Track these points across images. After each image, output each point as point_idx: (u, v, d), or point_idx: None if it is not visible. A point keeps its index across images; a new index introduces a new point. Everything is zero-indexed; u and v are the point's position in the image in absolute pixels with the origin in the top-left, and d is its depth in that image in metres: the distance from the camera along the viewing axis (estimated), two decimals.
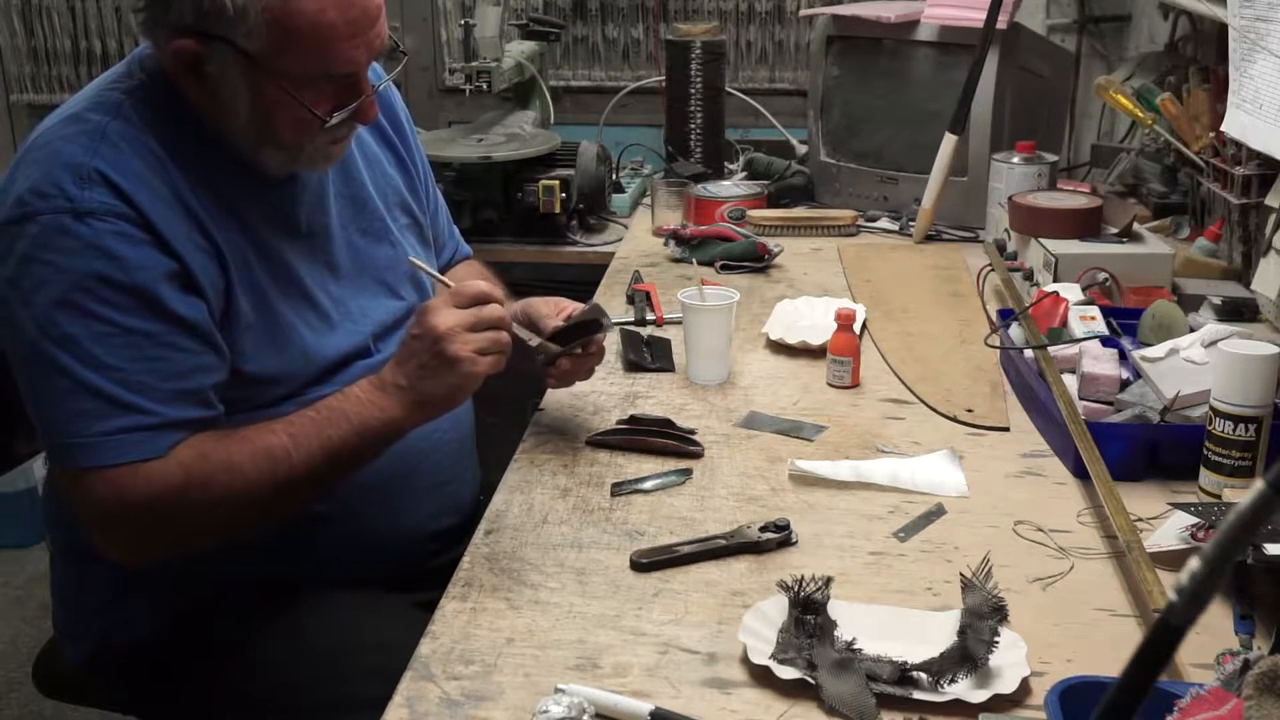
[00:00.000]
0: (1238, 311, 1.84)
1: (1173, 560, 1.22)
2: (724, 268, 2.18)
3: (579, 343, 1.48)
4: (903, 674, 1.04)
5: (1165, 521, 1.29)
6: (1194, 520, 1.23)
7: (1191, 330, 1.59)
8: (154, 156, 1.26)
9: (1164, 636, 0.49)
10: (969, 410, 1.60)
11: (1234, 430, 1.32)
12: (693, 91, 2.69)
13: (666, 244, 2.28)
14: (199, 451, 1.24)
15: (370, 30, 1.25)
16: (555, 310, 1.52)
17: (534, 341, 1.44)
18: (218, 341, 1.28)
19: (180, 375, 1.24)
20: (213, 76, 1.24)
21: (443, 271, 1.68)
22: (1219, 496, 1.34)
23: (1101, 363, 1.54)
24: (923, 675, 1.04)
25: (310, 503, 1.34)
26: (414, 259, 1.46)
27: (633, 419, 1.54)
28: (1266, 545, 1.11)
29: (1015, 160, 2.21)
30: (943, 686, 1.03)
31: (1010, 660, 1.05)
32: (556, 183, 2.50)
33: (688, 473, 1.44)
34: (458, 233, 1.78)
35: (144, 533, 1.27)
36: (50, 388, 1.21)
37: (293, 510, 1.33)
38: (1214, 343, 1.42)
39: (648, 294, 2.01)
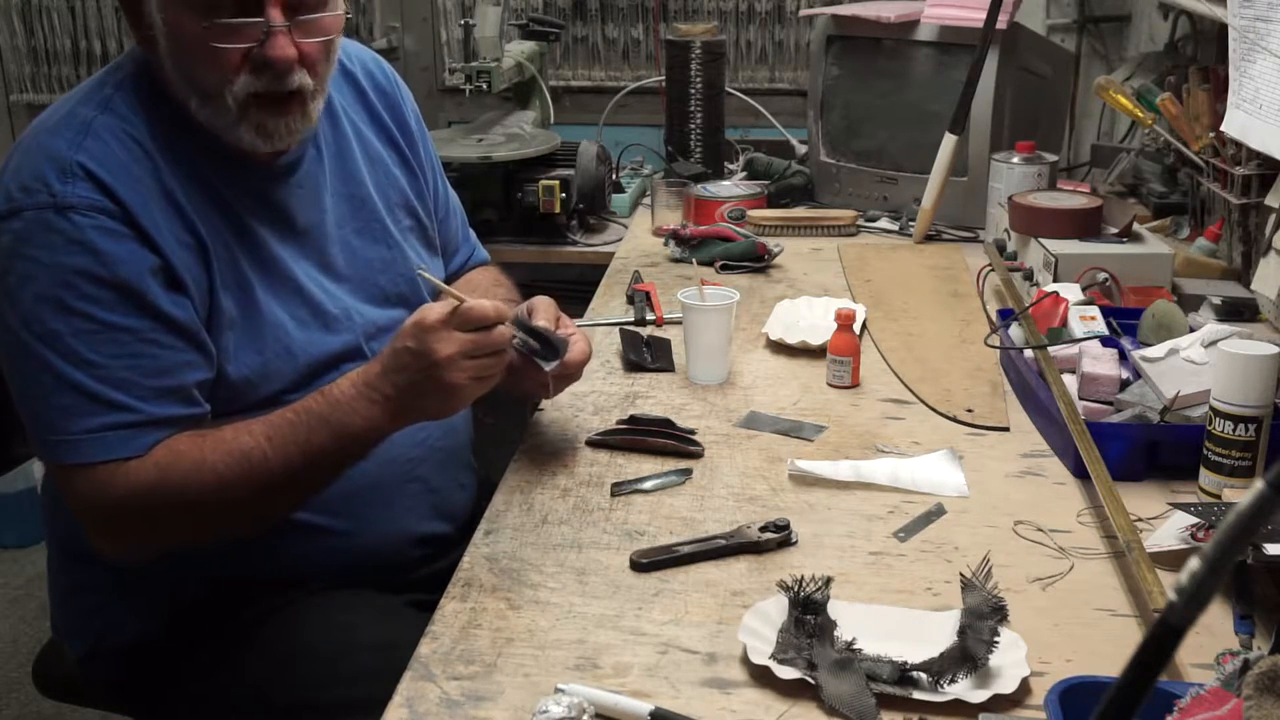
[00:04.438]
0: (1238, 311, 1.84)
1: (1173, 560, 1.22)
2: (724, 268, 2.18)
3: (529, 350, 1.39)
4: (903, 674, 1.04)
5: (1165, 521, 1.29)
6: (1194, 520, 1.23)
7: (1191, 330, 1.59)
8: (140, 149, 1.25)
9: (1164, 636, 0.49)
10: (969, 410, 1.60)
11: (1234, 430, 1.32)
12: (693, 91, 2.69)
13: (666, 244, 2.27)
14: (173, 451, 1.24)
15: None
16: (553, 315, 1.49)
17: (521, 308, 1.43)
18: (203, 339, 1.27)
19: (163, 372, 1.24)
20: (148, 17, 1.24)
21: (458, 276, 1.67)
22: (1219, 496, 1.34)
23: (1101, 363, 1.54)
24: (923, 675, 1.04)
25: (299, 508, 1.34)
26: (421, 269, 1.43)
27: (633, 419, 1.54)
28: (1266, 545, 1.11)
29: (1015, 160, 2.21)
30: (943, 686, 1.03)
31: (1010, 660, 1.05)
32: (556, 183, 2.50)
33: (688, 473, 1.44)
34: (474, 237, 1.74)
35: (124, 530, 1.27)
36: (34, 384, 1.21)
37: (280, 513, 1.32)
38: (1214, 343, 1.42)
39: (648, 294, 2.00)
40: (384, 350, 1.28)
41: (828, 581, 1.13)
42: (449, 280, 1.64)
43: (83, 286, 1.20)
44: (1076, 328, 1.65)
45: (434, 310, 1.26)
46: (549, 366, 1.39)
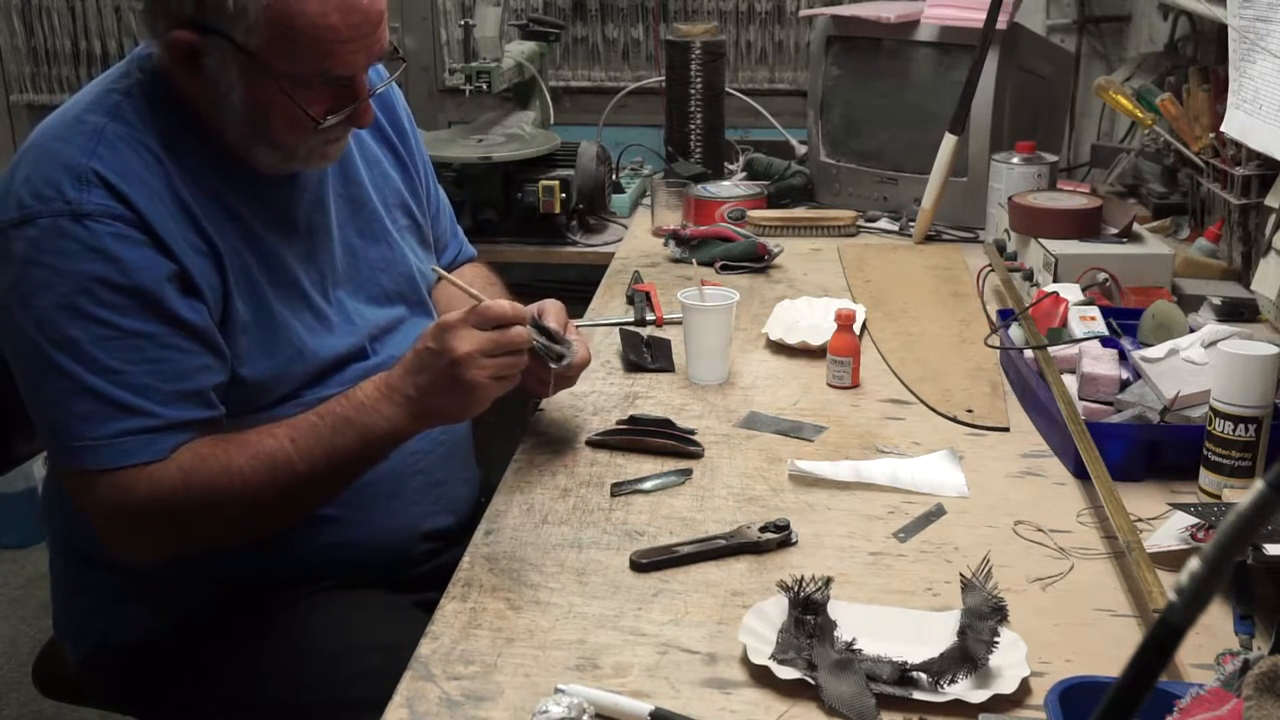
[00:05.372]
0: (1238, 311, 1.84)
1: (1173, 560, 1.22)
2: (724, 268, 2.18)
3: (545, 352, 1.40)
4: (903, 674, 1.04)
5: (1165, 521, 1.29)
6: (1194, 520, 1.23)
7: (1191, 330, 1.59)
8: (153, 157, 1.26)
9: (1164, 636, 0.49)
10: (969, 410, 1.60)
11: (1234, 430, 1.32)
12: (693, 91, 2.69)
13: (666, 244, 2.27)
14: (197, 454, 1.24)
15: (371, 35, 1.25)
16: (563, 321, 1.50)
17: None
18: (218, 342, 1.27)
19: (181, 376, 1.24)
20: (210, 71, 1.24)
21: (449, 272, 1.68)
22: (1219, 496, 1.34)
23: (1101, 363, 1.54)
24: (923, 675, 1.04)
25: (317, 509, 1.34)
26: (437, 269, 1.46)
27: (633, 419, 1.54)
28: (1266, 545, 1.11)
29: (1015, 160, 2.21)
30: (943, 686, 1.03)
31: (1010, 660, 1.05)
32: (556, 183, 2.50)
33: (688, 473, 1.44)
34: (461, 234, 1.76)
35: (146, 534, 1.27)
36: (52, 391, 1.21)
37: (299, 515, 1.32)
38: (1214, 343, 1.42)
39: (648, 294, 2.00)
40: (407, 353, 1.30)
41: (828, 582, 1.13)
42: None
43: (100, 293, 1.20)
44: (1076, 328, 1.65)
45: (454, 311, 1.28)
46: (557, 366, 1.41)
